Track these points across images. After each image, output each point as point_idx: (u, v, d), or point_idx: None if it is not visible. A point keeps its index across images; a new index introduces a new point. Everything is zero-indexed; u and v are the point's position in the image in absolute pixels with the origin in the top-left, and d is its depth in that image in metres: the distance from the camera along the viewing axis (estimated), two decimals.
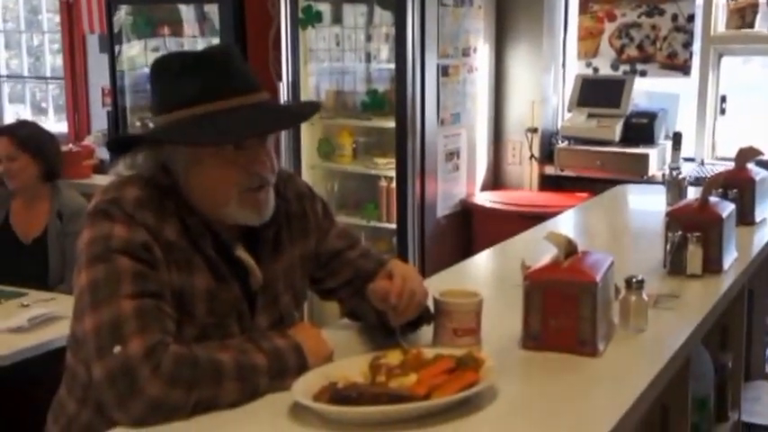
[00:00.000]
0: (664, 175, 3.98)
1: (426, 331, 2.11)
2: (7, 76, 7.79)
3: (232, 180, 1.88)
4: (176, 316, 1.83)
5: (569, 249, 2.12)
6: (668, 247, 2.68)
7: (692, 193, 3.51)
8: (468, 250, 5.05)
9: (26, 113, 7.60)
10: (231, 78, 1.89)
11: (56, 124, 7.32)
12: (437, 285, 2.14)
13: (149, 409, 1.68)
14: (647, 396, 1.90)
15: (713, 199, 2.82)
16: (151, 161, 1.92)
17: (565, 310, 2.04)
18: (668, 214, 2.75)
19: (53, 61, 7.66)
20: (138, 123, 5.79)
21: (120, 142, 2.02)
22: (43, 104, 7.85)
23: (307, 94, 5.42)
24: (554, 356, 2.03)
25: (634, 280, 2.21)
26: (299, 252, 2.10)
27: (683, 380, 2.33)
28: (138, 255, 1.80)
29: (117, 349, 1.70)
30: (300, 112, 2.11)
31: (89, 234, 1.84)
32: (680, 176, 3.68)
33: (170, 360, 1.70)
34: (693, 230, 2.63)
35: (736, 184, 3.21)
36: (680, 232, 2.64)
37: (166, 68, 1.92)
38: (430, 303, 2.08)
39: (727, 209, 2.79)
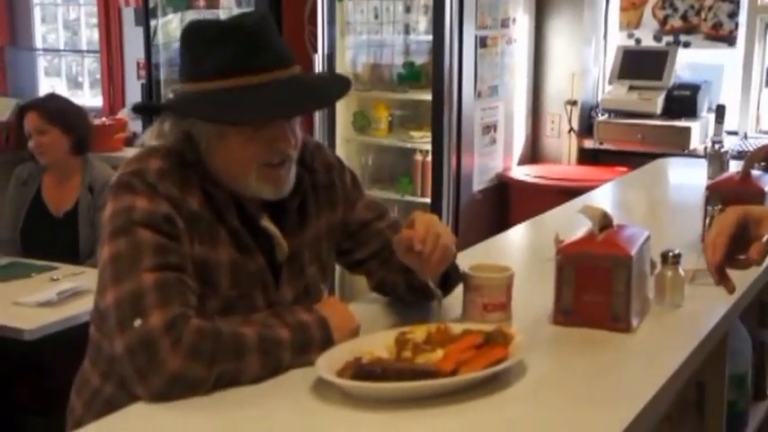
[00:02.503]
0: (705, 148, 3.90)
1: (455, 306, 2.06)
2: (43, 50, 7.80)
3: (253, 155, 1.85)
4: (199, 289, 1.80)
5: (604, 223, 2.06)
6: (707, 220, 2.61)
7: (735, 167, 3.43)
8: (504, 225, 4.94)
9: (62, 87, 7.61)
10: (263, 52, 1.84)
11: (92, 99, 7.32)
12: (471, 259, 2.09)
13: (170, 382, 1.64)
14: (682, 373, 1.85)
15: (755, 172, 2.75)
16: (176, 130, 1.90)
17: (598, 285, 1.98)
18: (708, 187, 2.68)
19: (90, 35, 7.65)
20: (171, 96, 5.77)
21: (145, 109, 1.98)
22: (80, 78, 7.86)
23: (343, 67, 5.36)
24: (586, 332, 1.98)
25: (670, 254, 2.14)
26: (326, 223, 2.06)
27: (719, 357, 2.27)
28: (160, 227, 1.77)
29: (137, 323, 1.67)
30: (330, 92, 2.07)
31: (111, 207, 1.82)
32: (722, 149, 3.59)
33: (191, 333, 1.67)
34: (734, 204, 2.54)
35: None
36: (719, 206, 2.57)
37: (198, 36, 1.89)
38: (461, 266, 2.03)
39: None
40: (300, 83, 1.93)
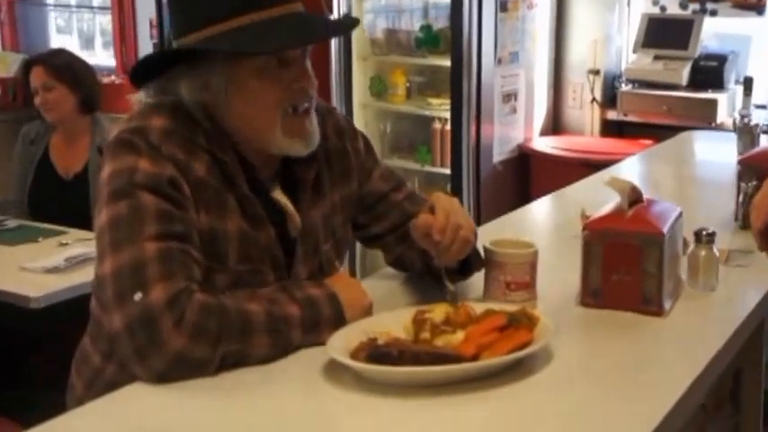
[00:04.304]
0: (734, 121, 3.77)
1: (476, 284, 1.95)
2: (54, 5, 7.64)
3: (276, 99, 1.73)
4: (206, 262, 1.69)
5: (633, 197, 1.95)
6: (740, 198, 2.49)
7: (765, 142, 3.33)
8: (526, 198, 4.88)
9: (74, 45, 7.46)
10: None
11: (106, 58, 7.18)
12: (491, 234, 1.98)
13: (172, 362, 1.55)
14: (719, 362, 1.75)
15: None
16: (191, 89, 1.74)
17: (628, 265, 1.88)
18: (741, 162, 2.56)
19: None
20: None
21: (149, 67, 1.80)
22: (93, 36, 7.69)
23: (360, 31, 5.21)
24: (615, 315, 1.88)
25: (704, 233, 2.03)
26: (340, 195, 1.94)
27: (756, 344, 2.17)
28: (165, 192, 1.65)
29: (138, 296, 1.56)
30: (343, 23, 1.94)
31: (110, 167, 1.69)
32: (752, 123, 3.46)
33: (195, 310, 1.57)
34: None
35: None
36: (754, 182, 2.45)
37: None
38: (479, 247, 1.93)
39: None
40: (310, 16, 1.83)
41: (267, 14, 1.71)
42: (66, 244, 3.29)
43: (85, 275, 2.92)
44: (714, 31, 5.00)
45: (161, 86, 1.78)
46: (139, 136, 1.69)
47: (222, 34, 1.70)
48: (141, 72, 1.78)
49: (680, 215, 2.00)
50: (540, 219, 2.92)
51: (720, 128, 4.60)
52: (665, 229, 1.87)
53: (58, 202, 3.75)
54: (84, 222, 3.58)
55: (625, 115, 5.06)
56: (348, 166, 1.96)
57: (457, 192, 4.83)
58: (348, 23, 1.90)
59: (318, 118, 1.85)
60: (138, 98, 1.80)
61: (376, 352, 1.58)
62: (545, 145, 5.12)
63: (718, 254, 2.04)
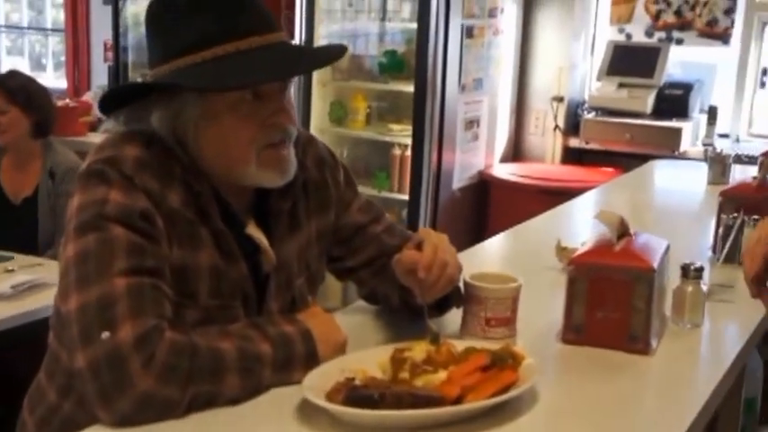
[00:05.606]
0: (706, 151, 3.74)
1: (452, 319, 1.86)
2: (5, 26, 7.49)
3: (251, 136, 1.62)
4: (176, 298, 1.58)
5: (621, 231, 1.86)
6: (721, 230, 2.42)
7: (736, 171, 3.30)
8: (483, 225, 4.84)
9: (25, 67, 7.32)
10: (248, 15, 1.62)
11: (56, 80, 7.04)
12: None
13: (138, 406, 1.43)
14: (711, 403, 1.66)
15: None
16: (162, 119, 1.64)
17: (615, 301, 1.80)
18: (722, 194, 2.50)
19: (55, 15, 7.34)
20: (139, 80, 5.52)
21: (119, 96, 1.70)
22: (43, 59, 7.56)
23: None
24: (598, 353, 1.80)
25: (692, 267, 1.95)
26: (317, 227, 1.84)
27: (737, 382, 2.08)
28: (136, 225, 1.54)
29: (105, 335, 1.45)
30: (327, 52, 1.82)
31: (80, 199, 1.58)
32: (723, 153, 3.43)
33: (165, 349, 1.46)
34: (751, 213, 2.37)
35: None
36: (735, 215, 2.38)
37: (169, 8, 1.65)
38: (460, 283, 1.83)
39: None
40: (292, 47, 1.73)
41: (245, 45, 1.60)
42: (12, 270, 3.15)
43: (34, 303, 2.87)
44: (679, 60, 5.00)
45: (131, 115, 1.67)
46: (112, 166, 1.58)
47: (195, 66, 1.59)
48: (111, 101, 1.68)
49: (668, 249, 1.92)
50: (511, 250, 2.83)
51: (683, 156, 4.58)
52: (656, 265, 1.79)
53: (5, 226, 3.63)
54: (33, 248, 3.48)
55: (587, 143, 5.03)
56: (326, 197, 1.86)
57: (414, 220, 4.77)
58: (331, 55, 1.77)
59: (298, 148, 1.75)
60: (109, 126, 1.68)
61: (355, 394, 1.47)
62: (505, 172, 5.08)
63: (705, 290, 1.96)
